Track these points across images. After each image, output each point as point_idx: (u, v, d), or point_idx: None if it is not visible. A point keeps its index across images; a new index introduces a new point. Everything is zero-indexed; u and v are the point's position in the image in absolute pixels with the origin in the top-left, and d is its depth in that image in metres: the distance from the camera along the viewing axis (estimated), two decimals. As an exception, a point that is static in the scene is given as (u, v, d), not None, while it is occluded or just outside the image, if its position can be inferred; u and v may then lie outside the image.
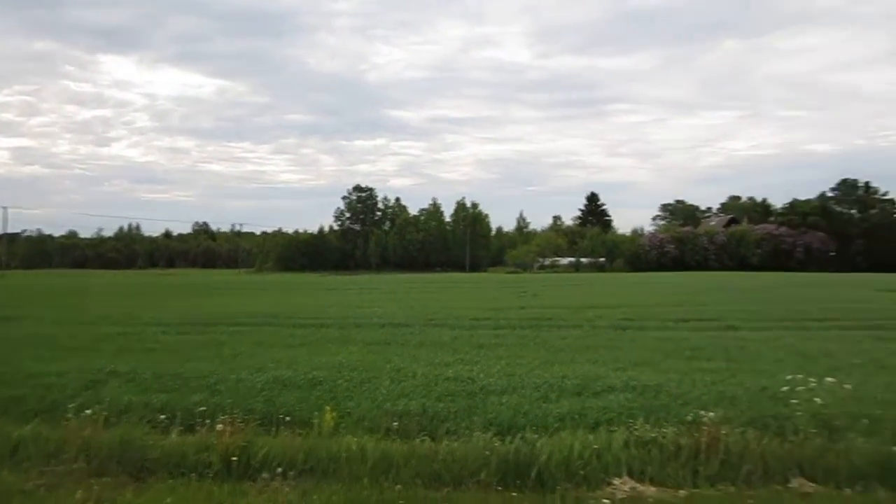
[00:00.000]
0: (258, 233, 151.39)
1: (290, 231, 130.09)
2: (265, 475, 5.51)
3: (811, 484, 5.53)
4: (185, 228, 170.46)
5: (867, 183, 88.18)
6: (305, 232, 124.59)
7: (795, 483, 5.58)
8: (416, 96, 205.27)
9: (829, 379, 6.56)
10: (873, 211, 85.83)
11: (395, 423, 6.42)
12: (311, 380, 9.02)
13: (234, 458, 5.68)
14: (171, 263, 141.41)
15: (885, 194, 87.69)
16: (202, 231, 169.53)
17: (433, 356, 11.37)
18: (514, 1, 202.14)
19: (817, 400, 6.33)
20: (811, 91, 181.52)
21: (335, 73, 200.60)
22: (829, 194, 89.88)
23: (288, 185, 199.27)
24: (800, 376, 6.54)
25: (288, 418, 6.50)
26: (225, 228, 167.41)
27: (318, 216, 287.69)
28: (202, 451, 5.95)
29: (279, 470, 5.51)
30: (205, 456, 5.87)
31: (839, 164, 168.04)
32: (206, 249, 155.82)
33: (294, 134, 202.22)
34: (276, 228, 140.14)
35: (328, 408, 6.73)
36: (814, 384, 6.41)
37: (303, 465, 5.70)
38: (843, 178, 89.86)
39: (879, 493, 5.31)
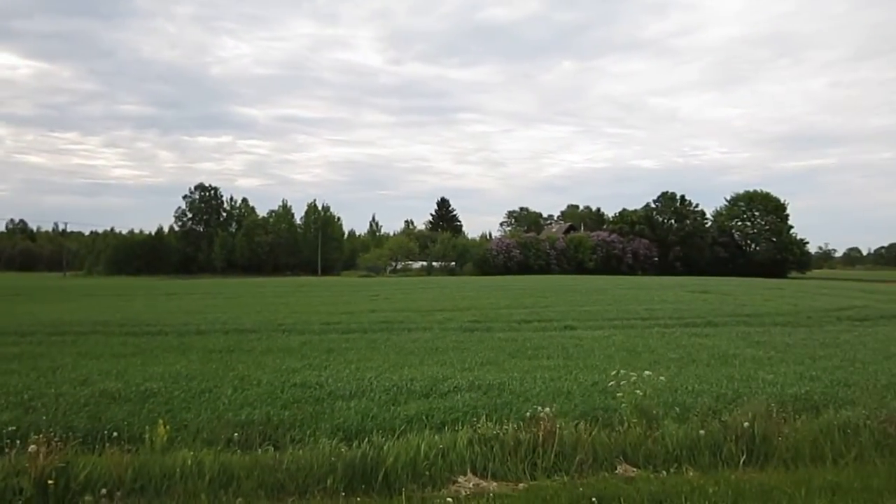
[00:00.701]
0: (87, 233, 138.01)
1: (125, 231, 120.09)
2: (88, 498, 5.02)
3: (634, 469, 6.06)
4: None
5: (682, 196, 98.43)
6: (142, 232, 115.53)
7: (621, 469, 6.08)
8: (264, 94, 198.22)
9: (648, 372, 7.23)
10: (687, 221, 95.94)
11: (237, 434, 6.13)
12: (144, 392, 8.38)
13: (51, 482, 5.12)
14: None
15: (696, 206, 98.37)
16: (19, 229, 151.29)
17: (280, 363, 11.04)
18: (364, 5, 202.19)
19: (639, 392, 6.95)
20: (636, 112, 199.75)
21: (175, 63, 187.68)
22: (653, 205, 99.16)
23: (121, 181, 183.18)
24: (624, 371, 7.15)
25: (115, 434, 5.97)
26: (46, 227, 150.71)
27: (156, 216, 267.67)
28: (12, 476, 5.29)
29: (104, 491, 5.04)
30: (15, 481, 5.23)
31: (661, 178, 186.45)
32: (24, 250, 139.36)
33: (128, 126, 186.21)
34: (107, 228, 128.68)
35: (161, 420, 6.28)
36: (635, 377, 7.03)
37: (132, 484, 5.27)
38: (663, 191, 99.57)
39: (689, 472, 5.94)
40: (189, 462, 5.45)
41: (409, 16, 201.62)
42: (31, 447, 5.33)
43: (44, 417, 6.82)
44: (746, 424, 6.52)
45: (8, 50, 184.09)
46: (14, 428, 6.14)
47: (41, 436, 5.46)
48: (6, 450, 5.58)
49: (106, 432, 5.99)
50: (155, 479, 5.34)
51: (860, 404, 7.78)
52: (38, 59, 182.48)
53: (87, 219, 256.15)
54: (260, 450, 5.95)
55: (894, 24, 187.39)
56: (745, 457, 6.22)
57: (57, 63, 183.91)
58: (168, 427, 6.26)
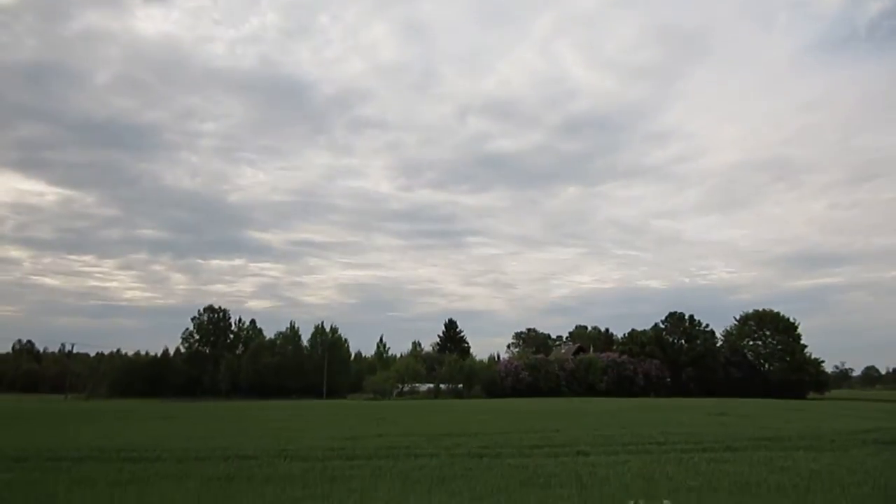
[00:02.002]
0: (93, 354, 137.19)
1: (131, 353, 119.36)
2: None
3: None
4: (4, 347, 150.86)
5: (691, 316, 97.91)
6: (147, 354, 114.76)
7: None
8: (279, 219, 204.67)
9: (667, 502, 6.85)
10: (698, 341, 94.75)
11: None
12: (137, 525, 7.96)
13: None
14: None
15: (706, 326, 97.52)
16: (25, 350, 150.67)
17: (280, 492, 10.58)
18: (378, 138, 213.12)
19: (659, 524, 6.55)
20: (642, 234, 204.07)
21: (194, 190, 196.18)
22: (661, 325, 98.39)
23: (132, 302, 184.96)
24: (641, 501, 6.78)
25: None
26: (53, 348, 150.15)
27: (163, 337, 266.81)
28: None
29: None
30: None
31: (669, 298, 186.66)
32: (28, 372, 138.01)
33: (144, 250, 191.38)
34: (114, 350, 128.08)
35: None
36: (655, 508, 6.67)
37: None
38: (671, 311, 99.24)
39: None
40: None
41: (420, 147, 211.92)
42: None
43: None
44: (777, 561, 6.07)
45: (37, 177, 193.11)
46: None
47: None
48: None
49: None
50: None
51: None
52: (65, 187, 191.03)
53: (94, 340, 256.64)
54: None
55: (889, 149, 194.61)
56: None
57: (82, 190, 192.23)
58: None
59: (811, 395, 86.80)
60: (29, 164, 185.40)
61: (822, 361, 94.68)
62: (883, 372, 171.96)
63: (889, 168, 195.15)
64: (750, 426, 24.44)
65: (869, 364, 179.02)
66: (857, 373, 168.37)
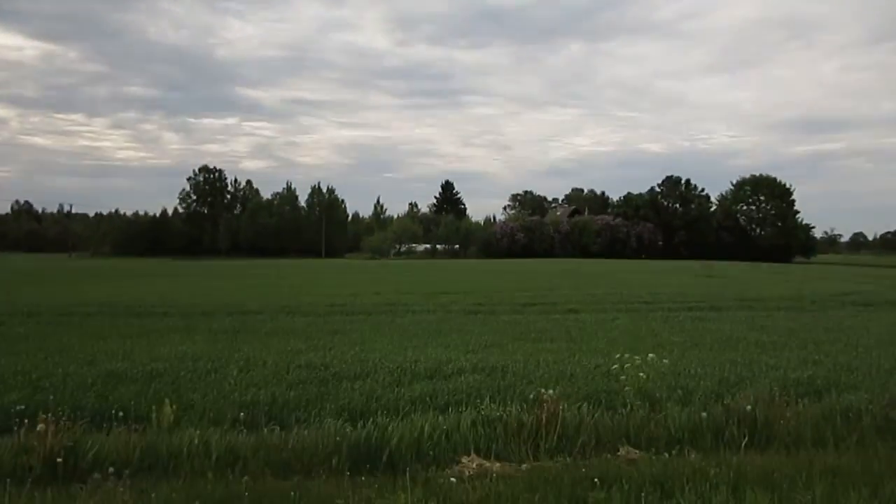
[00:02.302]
0: (92, 214, 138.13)
1: (129, 213, 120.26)
2: (96, 476, 5.07)
3: (636, 451, 6.09)
4: (3, 209, 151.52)
5: (687, 180, 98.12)
6: (146, 214, 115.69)
7: (623, 451, 6.11)
8: (270, 76, 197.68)
9: (651, 355, 7.24)
10: (692, 206, 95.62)
11: (243, 414, 6.18)
12: (150, 372, 8.45)
13: (60, 461, 5.18)
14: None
15: (702, 191, 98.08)
16: (24, 211, 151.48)
17: (285, 344, 11.11)
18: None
19: (642, 375, 6.97)
20: (644, 95, 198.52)
21: (180, 45, 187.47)
22: (658, 189, 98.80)
23: (126, 163, 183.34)
24: (627, 355, 7.17)
25: (122, 414, 6.03)
26: (52, 209, 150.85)
27: (160, 198, 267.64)
28: (21, 454, 5.36)
29: (112, 470, 5.09)
30: (24, 459, 5.30)
31: (667, 162, 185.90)
32: (30, 232, 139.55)
33: (134, 108, 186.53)
34: (112, 210, 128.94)
35: (167, 401, 6.34)
36: (638, 361, 7.05)
37: (139, 463, 5.32)
38: (668, 175, 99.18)
39: (692, 455, 5.97)
40: (196, 441, 5.51)
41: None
42: (40, 426, 5.39)
43: (51, 397, 6.88)
44: (749, 408, 6.54)
45: (14, 31, 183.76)
46: (22, 407, 6.21)
47: (49, 415, 5.52)
48: (15, 429, 5.64)
49: (113, 412, 6.05)
50: (162, 458, 5.39)
51: (863, 389, 7.80)
52: (45, 41, 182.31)
53: (91, 201, 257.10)
54: (265, 430, 6.01)
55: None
56: (746, 440, 6.25)
57: (63, 44, 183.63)
58: (174, 407, 6.32)
59: (798, 259, 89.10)
60: (2, 13, 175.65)
61: (813, 227, 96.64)
62: (870, 238, 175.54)
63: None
64: (735, 288, 25.32)
65: (857, 230, 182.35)
66: (845, 238, 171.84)
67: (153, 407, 6.32)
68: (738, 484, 4.97)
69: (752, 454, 6.02)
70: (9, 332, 12.54)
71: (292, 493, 4.66)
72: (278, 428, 6.06)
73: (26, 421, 5.59)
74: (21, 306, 17.00)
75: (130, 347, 10.58)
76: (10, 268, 49.41)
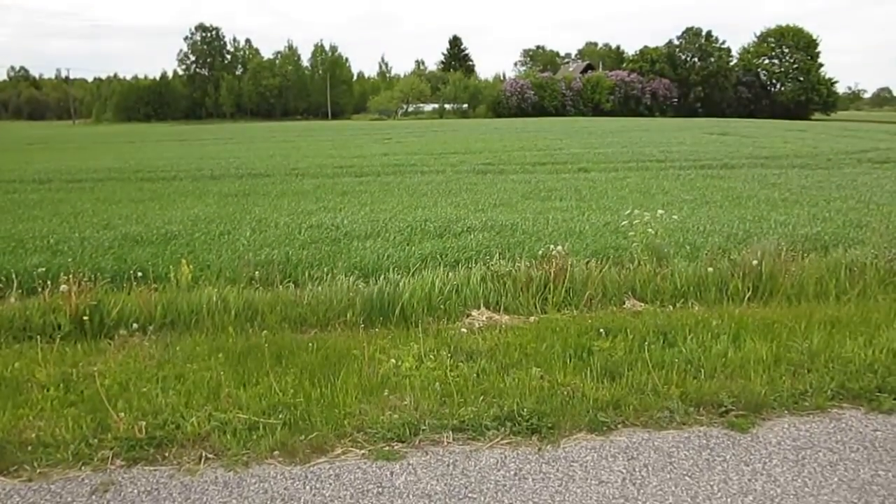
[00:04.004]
0: (90, 79, 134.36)
1: (129, 77, 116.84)
2: (122, 332, 5.32)
3: (641, 304, 6.27)
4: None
5: (709, 32, 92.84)
6: (146, 78, 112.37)
7: (629, 304, 6.29)
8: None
9: (661, 212, 7.24)
10: (712, 59, 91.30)
11: (258, 273, 6.35)
12: (165, 234, 8.60)
13: (86, 318, 5.41)
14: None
15: (723, 43, 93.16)
16: (21, 77, 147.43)
17: (295, 205, 11.18)
18: None
19: (650, 231, 7.01)
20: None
21: None
22: (676, 42, 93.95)
23: (120, 22, 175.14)
24: (637, 211, 7.16)
25: (141, 275, 6.20)
26: (49, 74, 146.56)
27: (157, 60, 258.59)
28: (48, 313, 5.58)
29: (136, 326, 5.33)
30: (52, 317, 5.53)
31: (690, 12, 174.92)
32: (31, 98, 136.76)
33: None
34: (110, 74, 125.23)
35: (184, 261, 6.49)
36: (647, 217, 7.06)
37: (162, 319, 5.55)
38: (689, 26, 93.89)
39: (695, 307, 6.15)
40: (214, 298, 5.70)
41: None
42: (63, 287, 5.56)
43: (70, 260, 7.06)
44: (755, 262, 6.62)
45: None
46: (44, 270, 6.39)
47: (71, 276, 5.68)
48: (39, 290, 5.84)
49: (132, 273, 6.23)
50: (183, 314, 5.61)
51: (870, 244, 7.83)
52: None
53: (88, 64, 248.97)
54: (281, 287, 6.19)
55: None
56: (750, 293, 6.39)
57: None
58: (192, 267, 6.48)
59: (816, 116, 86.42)
60: None
61: (836, 82, 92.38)
62: (895, 93, 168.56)
63: None
64: (749, 145, 24.82)
65: (883, 85, 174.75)
66: (869, 94, 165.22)
67: (171, 267, 6.49)
68: (738, 333, 5.15)
69: (754, 307, 6.19)
70: (22, 198, 12.66)
71: (310, 345, 4.89)
72: (293, 285, 6.25)
73: (49, 283, 5.77)
74: (31, 173, 17.03)
75: (143, 211, 10.70)
76: (15, 136, 49.02)
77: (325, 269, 6.58)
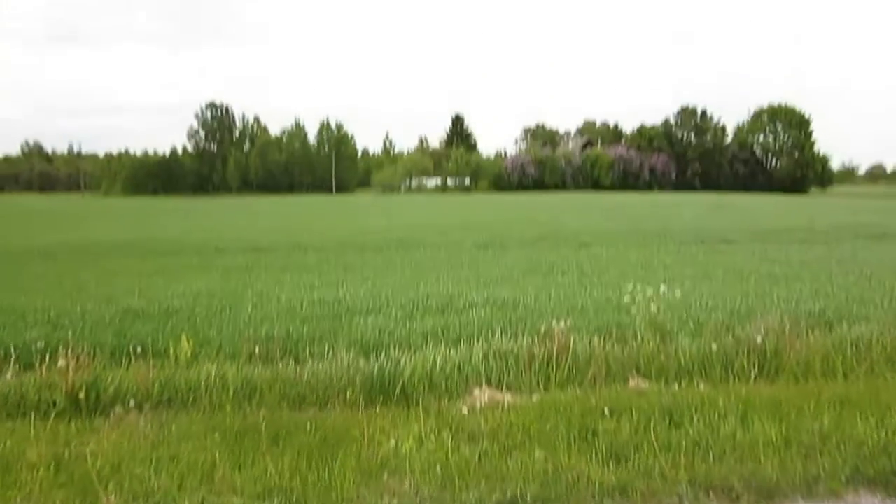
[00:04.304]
0: (101, 154, 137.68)
1: (139, 153, 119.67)
2: (118, 410, 5.23)
3: (646, 382, 6.17)
4: (13, 150, 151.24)
5: (703, 110, 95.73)
6: (156, 153, 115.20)
7: (633, 382, 6.19)
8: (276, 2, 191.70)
9: (663, 288, 7.23)
10: (707, 136, 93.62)
11: (258, 349, 6.29)
12: (167, 309, 8.58)
13: (82, 395, 5.33)
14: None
15: (717, 121, 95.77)
16: (35, 152, 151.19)
17: (298, 280, 11.21)
18: None
19: (653, 307, 6.98)
20: (661, 23, 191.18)
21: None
22: (672, 120, 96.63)
23: (133, 100, 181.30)
24: (639, 287, 7.16)
25: (140, 350, 6.15)
26: (61, 149, 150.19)
27: (168, 136, 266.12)
28: (44, 389, 5.51)
29: (132, 403, 5.24)
30: (47, 394, 5.45)
31: (683, 92, 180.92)
32: (42, 172, 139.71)
33: (138, 41, 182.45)
34: (121, 150, 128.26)
35: (185, 336, 6.45)
36: (650, 293, 7.04)
37: (159, 396, 5.46)
38: (684, 105, 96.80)
39: (701, 386, 6.04)
40: (213, 375, 5.63)
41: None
42: (61, 362, 5.51)
43: (71, 334, 7.02)
44: (759, 339, 6.56)
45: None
46: (43, 344, 6.34)
47: (69, 352, 5.63)
48: (37, 365, 5.78)
49: (131, 348, 6.16)
50: (181, 391, 5.53)
51: (874, 320, 7.77)
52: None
53: (100, 141, 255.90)
54: (281, 364, 6.12)
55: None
56: (756, 371, 6.29)
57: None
58: (192, 342, 6.43)
59: (813, 191, 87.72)
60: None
61: (830, 157, 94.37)
62: (889, 170, 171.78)
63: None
64: (748, 220, 25.08)
65: (877, 162, 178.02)
66: (863, 170, 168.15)
67: (171, 342, 6.45)
68: (746, 412, 5.04)
69: (761, 385, 6.08)
70: (27, 270, 12.73)
71: (308, 425, 4.78)
72: (293, 362, 6.17)
73: (47, 357, 5.72)
74: (37, 245, 17.20)
75: (146, 285, 10.72)
76: (25, 208, 49.80)
77: (326, 346, 6.53)
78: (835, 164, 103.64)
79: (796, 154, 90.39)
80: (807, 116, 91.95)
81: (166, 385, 5.56)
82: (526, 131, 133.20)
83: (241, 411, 5.21)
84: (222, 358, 6.23)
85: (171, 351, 6.24)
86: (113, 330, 7.47)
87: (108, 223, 28.81)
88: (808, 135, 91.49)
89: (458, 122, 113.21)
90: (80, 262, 14.00)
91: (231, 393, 5.49)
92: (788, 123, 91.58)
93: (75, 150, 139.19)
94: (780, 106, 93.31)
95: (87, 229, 24.47)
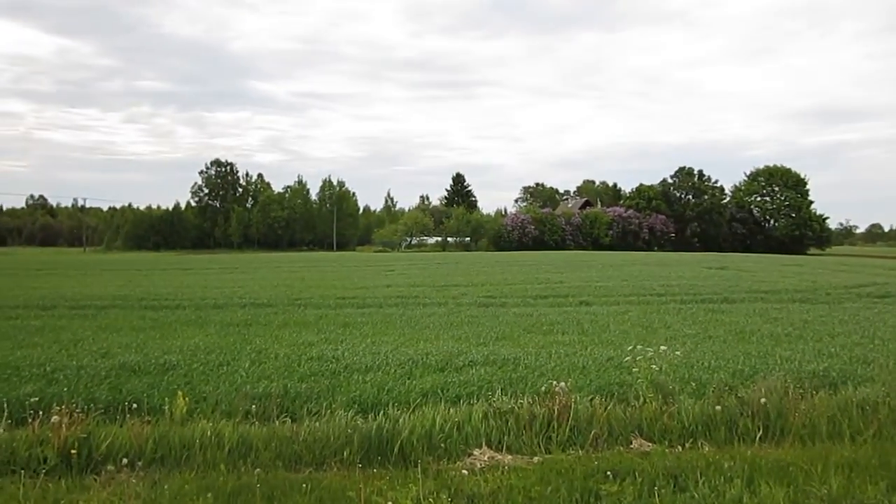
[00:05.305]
0: (105, 208, 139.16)
1: (142, 207, 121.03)
2: (110, 468, 5.12)
3: (649, 443, 6.06)
4: (18, 203, 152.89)
5: (700, 171, 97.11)
6: (159, 208, 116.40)
7: (636, 444, 6.08)
8: (283, 68, 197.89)
9: (664, 347, 7.18)
10: (705, 197, 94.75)
11: (255, 406, 6.20)
12: (163, 364, 8.50)
13: (74, 452, 5.23)
14: (1, 241, 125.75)
15: (715, 182, 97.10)
16: (39, 205, 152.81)
17: (296, 336, 11.13)
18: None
19: (654, 367, 6.92)
20: (660, 85, 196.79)
21: (195, 38, 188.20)
22: (670, 181, 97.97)
23: (139, 157, 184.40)
24: (640, 346, 7.11)
25: (136, 406, 6.06)
26: (66, 203, 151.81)
27: (173, 191, 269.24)
28: (35, 445, 5.41)
29: (125, 461, 5.13)
30: (39, 451, 5.34)
31: (681, 153, 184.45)
32: (45, 226, 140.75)
33: (148, 102, 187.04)
34: (125, 204, 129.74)
35: (180, 392, 6.37)
36: (651, 353, 7.00)
37: (152, 454, 5.36)
38: (681, 166, 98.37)
39: (705, 448, 5.93)
40: (208, 433, 5.53)
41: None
42: (54, 418, 5.43)
43: (65, 389, 6.94)
44: (763, 400, 6.48)
45: (30, 26, 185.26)
46: (37, 399, 6.26)
47: (63, 407, 5.56)
48: (29, 420, 5.69)
49: (126, 404, 6.08)
50: (175, 449, 5.42)
51: (879, 381, 7.69)
52: (60, 35, 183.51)
53: (105, 194, 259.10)
54: (277, 422, 6.03)
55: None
56: (760, 433, 6.19)
57: (78, 39, 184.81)
58: (187, 399, 6.35)
59: (812, 251, 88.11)
60: (20, 9, 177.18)
61: (827, 218, 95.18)
62: (886, 229, 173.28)
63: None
64: (748, 280, 25.09)
65: (874, 222, 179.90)
66: (861, 230, 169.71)
67: (166, 399, 6.36)
68: (752, 477, 4.93)
69: (766, 447, 5.97)
70: (24, 324, 12.66)
71: (304, 486, 4.67)
72: (290, 420, 6.08)
73: (41, 413, 5.64)
74: (36, 299, 17.15)
75: (143, 340, 10.65)
76: (26, 261, 49.93)
77: (324, 404, 6.44)
78: (832, 224, 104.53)
79: (793, 214, 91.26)
80: (802, 176, 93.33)
81: (160, 442, 5.46)
82: (526, 190, 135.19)
83: (236, 470, 5.10)
84: (218, 415, 6.14)
85: (167, 407, 6.14)
86: (108, 385, 7.38)
87: (107, 277, 28.80)
88: (805, 195, 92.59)
89: (458, 180, 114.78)
90: (77, 317, 13.93)
91: (226, 451, 5.39)
92: (784, 184, 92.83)
93: (79, 203, 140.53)
94: (775, 167, 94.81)
95: (86, 283, 24.45)
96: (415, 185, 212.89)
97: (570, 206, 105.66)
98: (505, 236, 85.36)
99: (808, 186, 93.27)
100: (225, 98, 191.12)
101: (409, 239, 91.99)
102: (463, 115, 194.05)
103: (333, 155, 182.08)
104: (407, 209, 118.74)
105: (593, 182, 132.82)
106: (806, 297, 18.97)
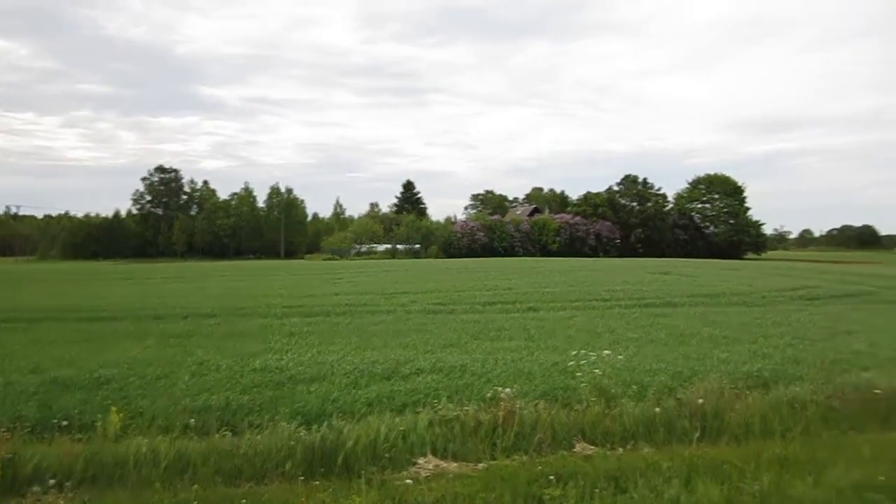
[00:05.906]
0: (41, 216, 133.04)
1: (80, 215, 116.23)
2: (36, 488, 4.88)
3: (591, 447, 6.16)
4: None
5: (644, 179, 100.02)
6: (98, 216, 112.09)
7: (579, 447, 6.17)
8: (233, 73, 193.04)
9: (607, 352, 7.33)
10: (649, 204, 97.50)
11: (194, 420, 6.03)
12: (97, 379, 8.17)
13: (-3, 473, 4.97)
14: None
15: (659, 189, 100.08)
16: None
17: (240, 347, 10.88)
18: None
19: (598, 371, 7.05)
20: (608, 94, 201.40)
21: (140, 41, 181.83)
22: (616, 188, 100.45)
23: (79, 162, 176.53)
24: (584, 351, 7.24)
25: (66, 423, 5.81)
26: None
27: (114, 199, 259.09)
28: (-45, 468, 5.11)
29: (53, 481, 4.91)
30: (-41, 474, 5.05)
31: (628, 161, 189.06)
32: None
33: (89, 106, 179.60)
34: (62, 212, 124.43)
35: (114, 409, 6.14)
36: (594, 358, 7.13)
37: (83, 473, 5.14)
38: (627, 174, 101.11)
39: (645, 449, 6.07)
40: (143, 449, 5.35)
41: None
42: (-24, 438, 5.16)
43: (-9, 407, 6.60)
44: (701, 401, 6.68)
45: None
46: (-42, 418, 5.93)
47: (-13, 426, 5.28)
48: (-50, 441, 5.38)
49: (56, 421, 5.82)
50: (107, 467, 5.22)
51: (808, 380, 8.03)
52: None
53: (41, 202, 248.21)
54: (217, 435, 5.87)
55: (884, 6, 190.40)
56: (698, 433, 6.38)
57: (14, 40, 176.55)
58: (122, 414, 6.12)
59: (749, 255, 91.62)
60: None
61: (763, 224, 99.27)
62: (817, 234, 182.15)
63: (881, 27, 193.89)
64: (689, 284, 25.87)
65: (806, 227, 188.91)
66: (794, 235, 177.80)
67: (99, 415, 6.11)
68: (689, 476, 5.07)
69: (703, 446, 6.15)
70: (-53, 339, 11.99)
71: (243, 501, 4.56)
72: (230, 434, 5.93)
73: (-39, 433, 5.34)
74: (-39, 313, 16.27)
75: (77, 354, 10.22)
76: (-49, 273, 47.31)
77: (267, 416, 6.31)
78: (767, 230, 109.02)
79: (732, 221, 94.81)
80: (740, 184, 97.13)
81: (91, 460, 5.25)
82: (475, 197, 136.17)
83: (172, 487, 4.94)
84: (155, 430, 5.93)
85: (100, 423, 5.91)
86: (37, 401, 7.04)
87: (41, 288, 27.55)
88: (742, 202, 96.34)
89: (409, 188, 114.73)
90: (7, 330, 13.28)
91: (162, 468, 5.21)
92: (723, 192, 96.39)
93: (12, 211, 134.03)
94: (714, 175, 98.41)
95: (17, 295, 23.34)
96: (367, 191, 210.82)
97: (518, 213, 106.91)
98: (454, 243, 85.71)
99: (745, 194, 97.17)
100: (171, 103, 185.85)
101: (358, 246, 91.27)
102: (415, 122, 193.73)
103: (284, 161, 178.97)
104: (357, 216, 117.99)
105: (542, 189, 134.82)
106: (742, 300, 19.69)
